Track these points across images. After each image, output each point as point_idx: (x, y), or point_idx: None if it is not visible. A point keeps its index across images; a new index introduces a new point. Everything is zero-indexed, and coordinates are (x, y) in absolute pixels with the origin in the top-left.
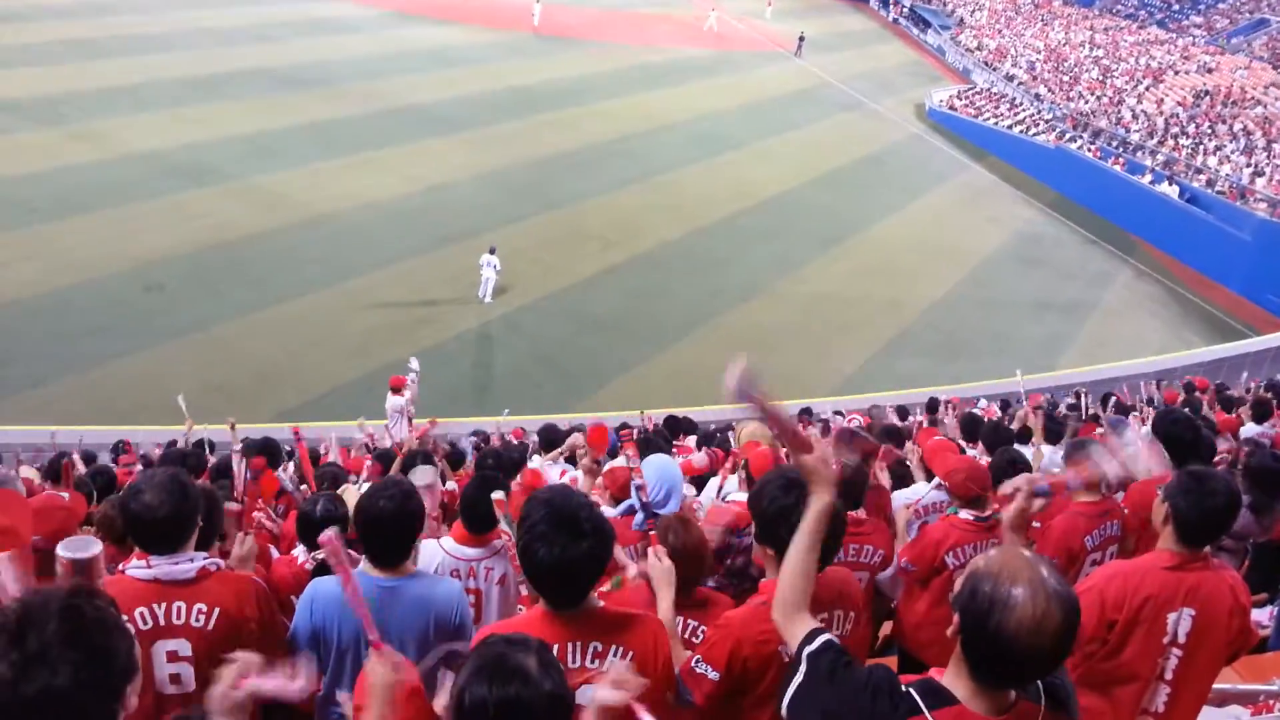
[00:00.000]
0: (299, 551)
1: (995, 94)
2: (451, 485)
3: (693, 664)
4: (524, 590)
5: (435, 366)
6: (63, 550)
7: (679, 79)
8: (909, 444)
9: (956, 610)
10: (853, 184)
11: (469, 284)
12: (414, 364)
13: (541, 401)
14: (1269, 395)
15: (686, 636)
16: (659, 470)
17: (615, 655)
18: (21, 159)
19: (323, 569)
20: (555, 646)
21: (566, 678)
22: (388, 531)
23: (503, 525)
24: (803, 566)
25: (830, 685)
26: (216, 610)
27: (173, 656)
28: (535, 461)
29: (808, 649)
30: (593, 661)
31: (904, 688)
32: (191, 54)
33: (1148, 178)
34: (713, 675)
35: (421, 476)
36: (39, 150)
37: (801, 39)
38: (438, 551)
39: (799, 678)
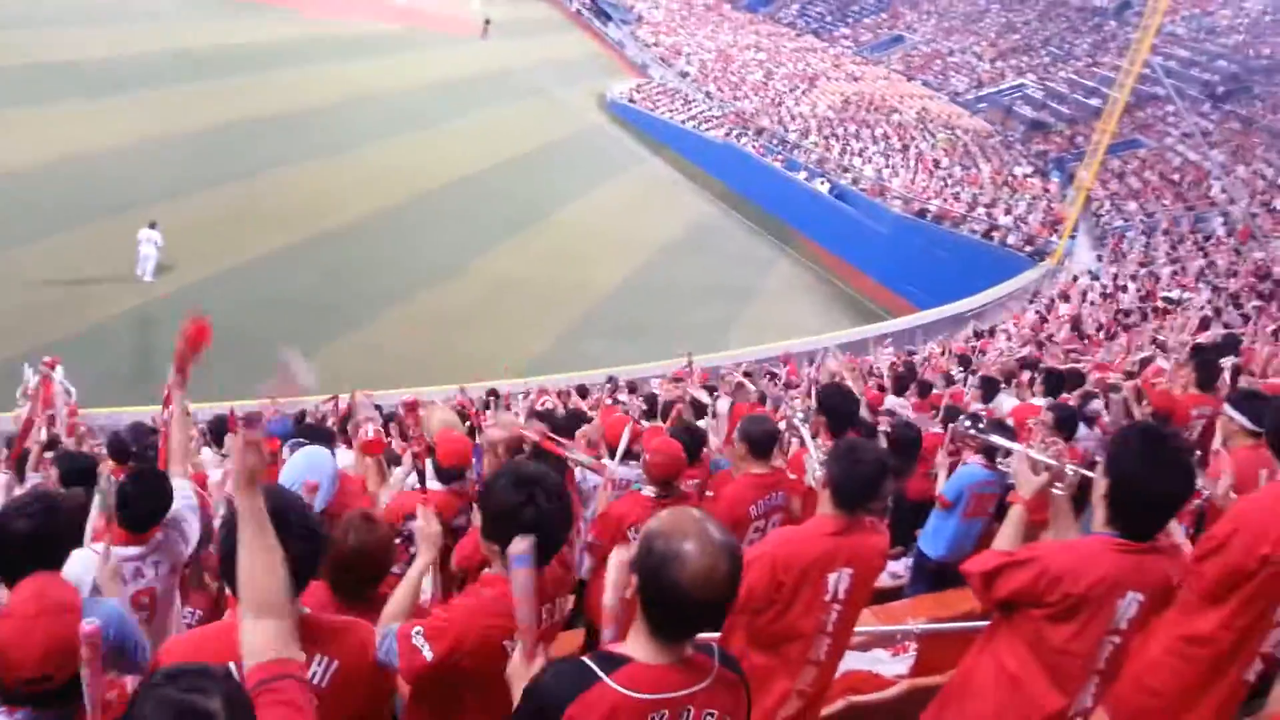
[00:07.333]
0: None
1: (670, 89)
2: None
3: (412, 633)
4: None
5: (89, 352)
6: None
7: (366, 54)
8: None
9: (634, 571)
10: (538, 170)
11: (127, 261)
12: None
13: (213, 387)
14: (904, 370)
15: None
16: (308, 461)
17: (319, 664)
18: None
19: None
20: None
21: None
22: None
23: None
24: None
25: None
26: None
27: None
28: (206, 455)
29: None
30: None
31: (581, 660)
32: None
33: (803, 174)
34: (428, 654)
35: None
36: None
37: (488, 22)
38: (90, 556)
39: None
